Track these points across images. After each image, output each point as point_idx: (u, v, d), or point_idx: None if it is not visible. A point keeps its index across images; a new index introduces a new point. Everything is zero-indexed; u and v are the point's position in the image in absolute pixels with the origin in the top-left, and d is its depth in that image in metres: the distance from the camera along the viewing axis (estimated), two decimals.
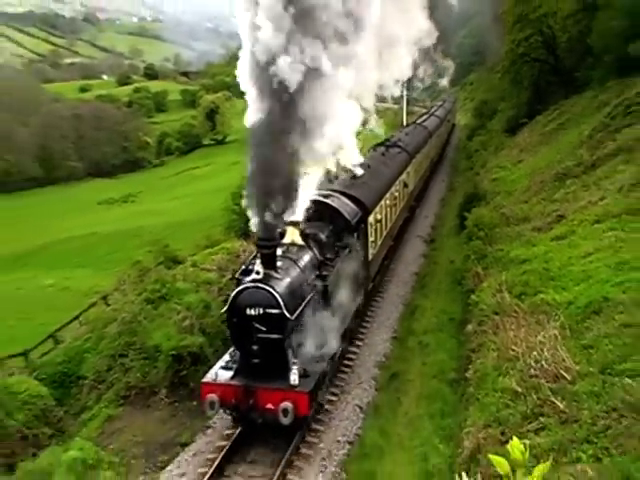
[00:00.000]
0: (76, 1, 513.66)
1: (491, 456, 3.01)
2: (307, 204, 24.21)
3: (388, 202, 35.37)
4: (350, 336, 28.22)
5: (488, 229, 35.94)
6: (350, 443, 22.73)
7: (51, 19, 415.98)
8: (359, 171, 32.63)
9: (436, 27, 31.88)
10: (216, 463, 20.08)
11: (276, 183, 19.36)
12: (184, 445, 22.81)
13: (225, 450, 20.87)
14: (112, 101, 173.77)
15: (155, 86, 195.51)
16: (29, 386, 28.08)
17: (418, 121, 72.56)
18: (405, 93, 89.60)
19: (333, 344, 23.02)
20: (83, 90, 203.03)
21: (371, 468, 21.45)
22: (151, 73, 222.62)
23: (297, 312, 20.41)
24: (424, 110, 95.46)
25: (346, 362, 27.90)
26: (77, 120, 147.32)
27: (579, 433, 16.26)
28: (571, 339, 20.46)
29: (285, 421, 19.22)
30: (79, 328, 37.23)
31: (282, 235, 21.80)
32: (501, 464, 2.98)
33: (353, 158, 28.30)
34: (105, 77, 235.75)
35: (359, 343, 29.85)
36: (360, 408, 25.01)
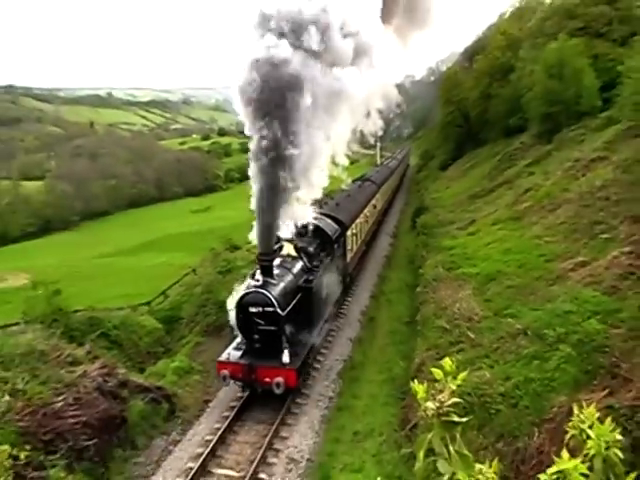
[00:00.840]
0: (178, 92, 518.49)
1: (432, 368, 3.07)
2: (300, 224, 22.05)
3: (362, 220, 33.79)
4: (333, 317, 25.95)
5: (429, 228, 35.98)
6: (344, 361, 22.78)
7: (164, 103, 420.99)
8: (342, 199, 31.26)
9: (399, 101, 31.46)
10: None
11: (271, 219, 18.08)
12: None
13: None
14: (199, 150, 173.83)
15: (224, 140, 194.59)
16: (151, 323, 28.39)
17: (384, 163, 72.48)
18: (379, 143, 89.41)
19: (319, 327, 21.48)
20: (182, 144, 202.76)
21: (356, 375, 21.62)
22: (222, 132, 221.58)
23: (288, 309, 18.50)
24: (389, 154, 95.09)
25: (341, 311, 27.97)
26: (178, 162, 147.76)
27: (481, 352, 16.64)
28: (478, 295, 20.66)
29: (278, 391, 17.57)
30: (179, 288, 37.42)
31: (280, 249, 20.36)
32: (438, 373, 3.04)
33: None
34: (194, 136, 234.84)
35: (350, 299, 29.91)
36: (350, 340, 25.04)
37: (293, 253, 21.50)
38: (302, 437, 17.24)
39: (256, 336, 18.53)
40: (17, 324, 23.58)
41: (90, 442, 14.86)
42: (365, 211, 35.32)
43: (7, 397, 14.31)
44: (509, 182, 36.95)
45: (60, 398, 15.09)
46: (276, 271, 19.35)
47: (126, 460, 16.14)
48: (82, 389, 15.83)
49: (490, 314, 18.80)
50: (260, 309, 18.10)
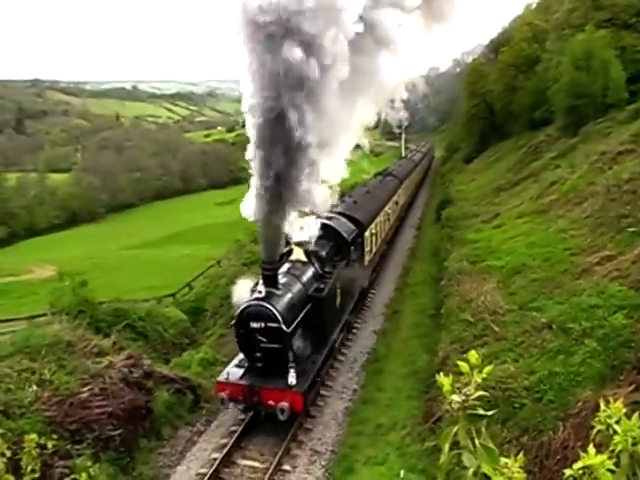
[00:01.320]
0: (204, 84, 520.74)
1: (458, 361, 3.07)
2: (313, 226, 19.88)
3: (382, 218, 31.91)
4: (348, 327, 23.78)
5: (454, 221, 35.88)
6: (368, 353, 22.85)
7: (189, 95, 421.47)
8: (360, 196, 29.67)
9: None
10: None
11: (276, 224, 15.91)
12: None
13: None
14: (224, 142, 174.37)
15: None
16: (176, 314, 28.48)
17: (408, 156, 71.88)
18: (404, 135, 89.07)
19: (328, 340, 19.18)
20: (206, 136, 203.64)
21: (380, 367, 21.67)
22: None
23: (294, 324, 16.42)
24: (414, 146, 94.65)
25: (366, 304, 27.97)
26: (203, 154, 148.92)
27: (506, 346, 16.56)
28: (503, 289, 20.55)
29: (282, 418, 15.54)
30: (203, 280, 37.65)
31: (289, 253, 18.53)
32: (464, 366, 3.03)
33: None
34: (219, 128, 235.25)
35: (374, 291, 29.91)
36: (374, 332, 25.08)
37: (303, 258, 19.39)
38: (325, 429, 17.30)
39: (258, 354, 16.50)
40: (44, 315, 23.84)
41: (116, 432, 15.01)
42: (386, 208, 33.93)
43: (34, 387, 14.49)
44: (534, 175, 36.73)
45: (86, 388, 15.25)
46: (283, 279, 17.37)
47: (151, 450, 16.28)
48: (108, 380, 15.97)
49: (515, 307, 18.70)
50: (262, 325, 16.06)
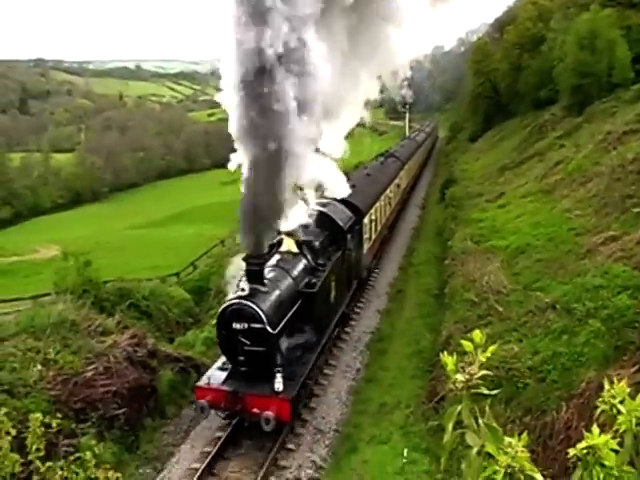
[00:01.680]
0: (207, 63, 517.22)
1: (462, 341, 3.06)
2: (308, 213, 18.52)
3: (383, 203, 30.11)
4: (343, 321, 22.12)
5: (458, 201, 35.86)
6: (372, 333, 22.85)
7: (192, 75, 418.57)
8: (359, 180, 27.31)
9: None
10: None
11: (262, 210, 14.71)
12: None
13: None
14: (227, 122, 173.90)
15: None
16: (180, 293, 28.57)
17: (411, 136, 70.86)
18: (407, 114, 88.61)
19: (322, 339, 17.45)
20: (210, 115, 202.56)
21: (384, 347, 21.73)
22: None
23: (281, 325, 14.85)
24: (418, 125, 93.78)
25: (369, 284, 27.97)
26: (206, 134, 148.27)
27: (510, 326, 16.65)
28: (507, 269, 20.58)
29: (267, 429, 13.96)
30: (207, 259, 37.71)
31: (279, 244, 16.73)
32: (468, 345, 3.02)
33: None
34: (223, 107, 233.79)
35: (378, 270, 29.89)
36: (378, 311, 25.07)
37: (294, 249, 17.65)
38: (329, 408, 17.31)
39: (241, 358, 14.81)
40: (48, 295, 23.92)
41: (120, 411, 15.12)
42: (387, 192, 32.23)
43: (39, 366, 14.55)
44: (539, 154, 36.65)
45: (91, 367, 15.31)
46: (270, 274, 15.77)
47: (155, 429, 16.38)
48: (112, 359, 16.03)
49: (519, 288, 18.74)
50: (245, 325, 14.38)
